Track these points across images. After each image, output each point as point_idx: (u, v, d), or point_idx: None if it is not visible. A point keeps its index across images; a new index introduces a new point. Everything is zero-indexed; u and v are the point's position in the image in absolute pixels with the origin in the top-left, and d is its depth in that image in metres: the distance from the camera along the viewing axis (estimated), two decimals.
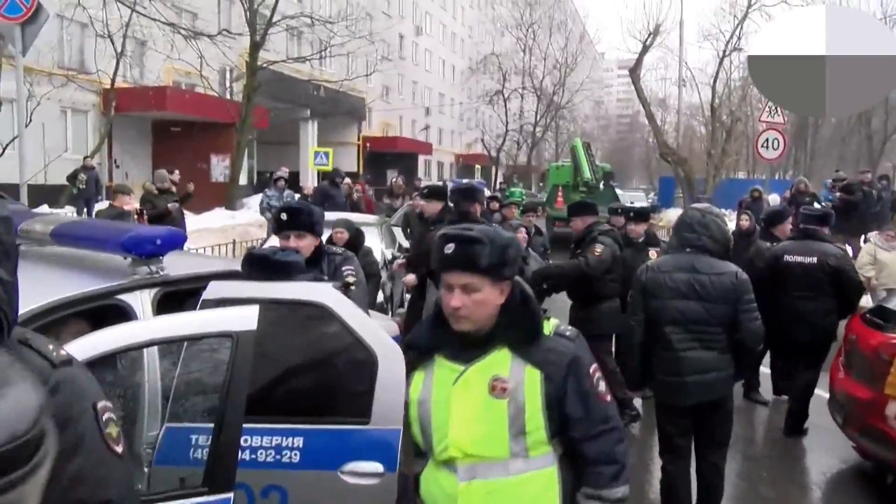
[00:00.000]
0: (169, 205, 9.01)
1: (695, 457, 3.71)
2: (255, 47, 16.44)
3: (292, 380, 2.47)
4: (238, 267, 2.79)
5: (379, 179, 34.09)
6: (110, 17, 14.16)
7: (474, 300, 1.79)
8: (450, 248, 1.79)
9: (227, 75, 22.82)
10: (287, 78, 22.53)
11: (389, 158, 36.74)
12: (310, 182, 21.72)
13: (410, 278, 5.44)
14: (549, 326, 1.90)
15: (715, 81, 23.83)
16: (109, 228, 2.66)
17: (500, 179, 36.79)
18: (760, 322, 3.55)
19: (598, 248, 5.23)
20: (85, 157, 15.08)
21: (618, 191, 25.67)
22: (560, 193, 21.55)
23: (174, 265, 2.70)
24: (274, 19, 16.93)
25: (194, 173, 20.08)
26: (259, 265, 2.75)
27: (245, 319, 2.01)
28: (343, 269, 3.27)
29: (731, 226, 9.01)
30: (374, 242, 8.06)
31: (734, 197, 17.97)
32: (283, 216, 3.21)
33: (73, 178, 14.02)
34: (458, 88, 51.21)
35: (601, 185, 21.61)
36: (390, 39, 38.17)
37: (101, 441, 1.29)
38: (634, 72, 22.80)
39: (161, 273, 2.58)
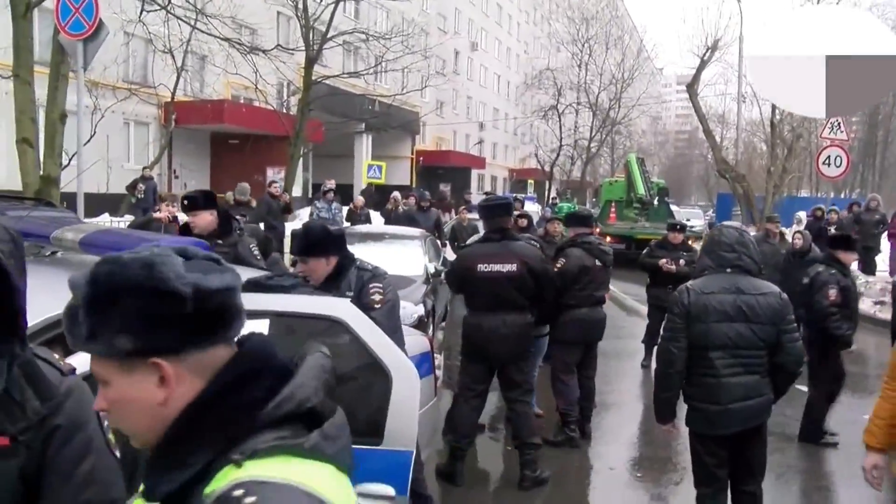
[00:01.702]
0: (237, 217, 9.30)
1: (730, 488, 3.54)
2: (311, 62, 16.71)
3: None
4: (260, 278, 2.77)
5: (432, 193, 34.26)
6: (172, 34, 14.61)
7: (109, 400, 1.00)
8: None
9: (284, 89, 23.31)
10: (342, 92, 22.87)
11: (442, 172, 36.90)
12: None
13: None
14: (222, 479, 0.89)
15: None
16: (135, 238, 2.68)
17: (552, 194, 36.48)
18: (801, 343, 3.44)
19: (560, 262, 5.41)
20: (144, 168, 15.57)
21: (673, 207, 25.19)
22: (613, 209, 21.25)
23: None
24: (329, 35, 17.19)
25: (251, 185, 20.58)
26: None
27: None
28: (370, 286, 3.21)
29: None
30: (418, 255, 8.06)
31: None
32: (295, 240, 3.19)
33: (132, 187, 14.49)
34: (512, 103, 51.20)
35: (655, 201, 21.23)
36: (445, 55, 38.43)
37: (105, 445, 1.41)
38: (692, 87, 22.32)
39: None
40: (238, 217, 9.26)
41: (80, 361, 1.80)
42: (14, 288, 1.28)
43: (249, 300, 2.39)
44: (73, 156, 8.98)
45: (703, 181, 61.81)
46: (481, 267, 4.54)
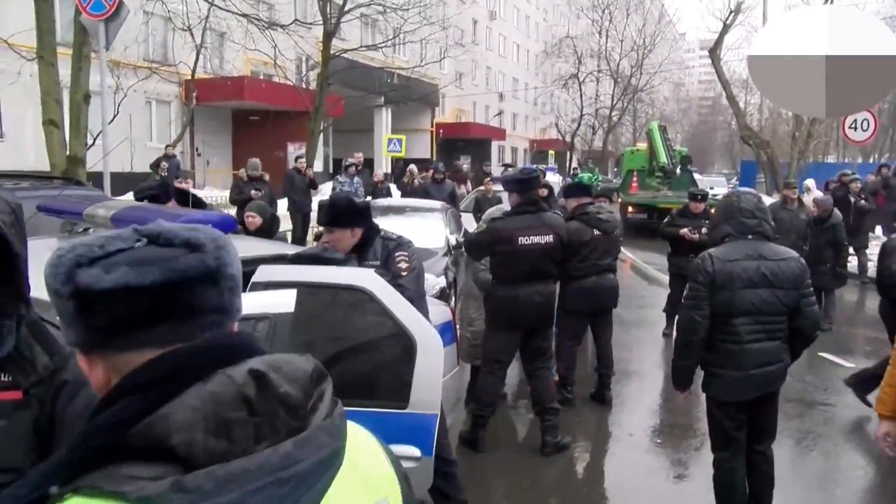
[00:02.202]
0: (252, 192, 9.54)
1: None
2: (328, 36, 16.66)
3: (333, 362, 2.53)
4: (287, 251, 2.86)
5: (451, 166, 34.18)
6: (191, 11, 14.66)
7: None
8: None
9: (303, 64, 23.30)
10: (361, 66, 22.83)
11: (462, 145, 36.76)
12: (382, 169, 21.97)
13: None
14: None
15: None
16: (165, 214, 2.77)
17: (573, 164, 36.23)
18: (817, 307, 3.52)
19: None
20: (167, 146, 15.75)
21: (697, 175, 24.88)
22: (635, 179, 21.10)
23: None
24: (346, 8, 17.11)
25: (272, 161, 20.75)
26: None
27: (282, 304, 2.06)
28: (396, 255, 3.30)
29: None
30: (439, 227, 8.12)
31: (821, 181, 17.18)
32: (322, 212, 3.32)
33: (155, 166, 14.69)
34: (532, 73, 50.69)
35: (678, 170, 21.02)
36: (464, 25, 38.05)
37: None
38: (714, 52, 21.91)
39: None
40: (253, 192, 9.49)
41: None
42: (16, 255, 1.39)
43: (277, 272, 2.49)
44: (98, 135, 9.11)
45: (728, 148, 60.94)
46: (522, 239, 4.57)
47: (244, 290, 2.47)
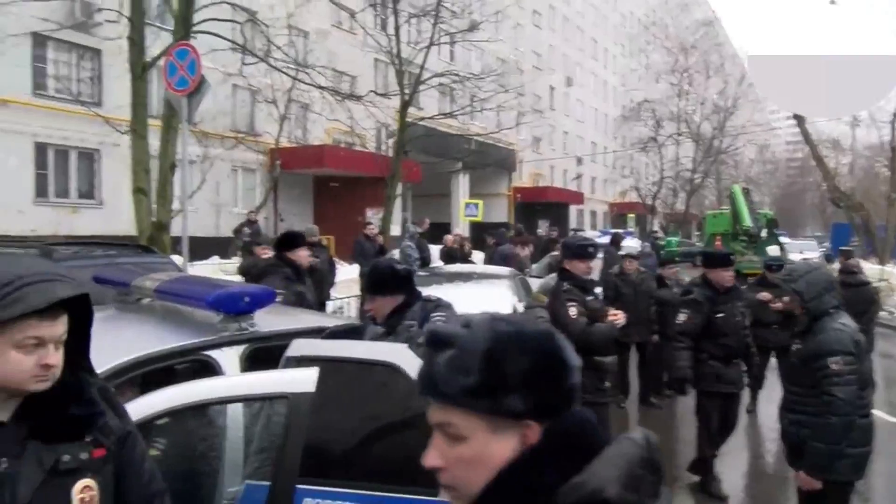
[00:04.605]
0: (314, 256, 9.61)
1: None
2: (405, 106, 17.14)
3: (364, 443, 2.40)
4: (327, 323, 2.80)
5: (530, 230, 34.13)
6: (276, 84, 15.40)
7: (457, 457, 1.15)
8: None
9: (382, 132, 24.01)
10: (438, 133, 23.30)
11: (540, 208, 36.69)
12: (458, 231, 22.09)
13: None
14: None
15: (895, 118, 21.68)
16: (205, 286, 2.77)
17: (653, 228, 35.47)
18: None
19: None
20: (249, 212, 16.34)
21: (785, 239, 23.85)
22: (718, 243, 20.42)
23: (267, 321, 2.76)
24: (423, 78, 17.60)
25: (351, 226, 21.23)
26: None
27: (301, 382, 1.97)
28: (432, 316, 3.23)
29: None
30: (506, 295, 7.95)
31: None
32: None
33: (237, 231, 15.21)
34: (610, 136, 50.54)
35: (763, 233, 20.21)
36: (540, 91, 38.53)
37: (146, 450, 1.74)
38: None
39: (250, 330, 2.64)
40: (313, 258, 9.61)
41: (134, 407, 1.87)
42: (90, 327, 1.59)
43: (301, 347, 2.42)
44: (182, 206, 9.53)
45: (819, 210, 58.45)
46: None
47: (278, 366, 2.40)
